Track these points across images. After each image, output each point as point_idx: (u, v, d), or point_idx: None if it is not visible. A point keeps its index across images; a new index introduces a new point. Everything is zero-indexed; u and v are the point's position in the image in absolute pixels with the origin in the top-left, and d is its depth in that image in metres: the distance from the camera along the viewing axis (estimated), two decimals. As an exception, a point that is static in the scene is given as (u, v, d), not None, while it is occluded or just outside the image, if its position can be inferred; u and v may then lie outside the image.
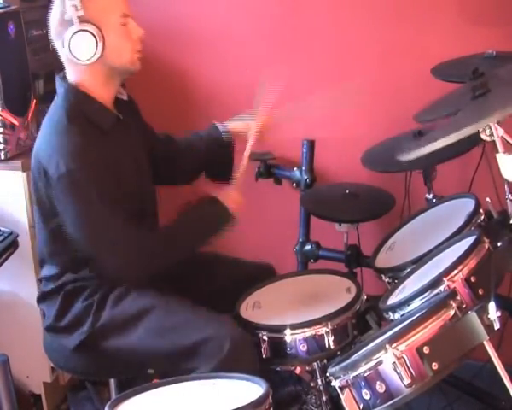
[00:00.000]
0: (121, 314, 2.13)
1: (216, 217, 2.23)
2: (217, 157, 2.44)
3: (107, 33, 2.09)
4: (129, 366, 2.19)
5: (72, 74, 2.15)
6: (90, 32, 2.06)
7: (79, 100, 2.14)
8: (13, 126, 2.67)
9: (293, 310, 2.16)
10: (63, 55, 2.13)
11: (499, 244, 1.88)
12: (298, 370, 2.14)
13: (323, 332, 2.04)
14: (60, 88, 2.17)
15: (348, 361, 1.73)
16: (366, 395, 1.67)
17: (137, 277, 2.12)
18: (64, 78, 2.17)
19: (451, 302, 1.69)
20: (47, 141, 2.12)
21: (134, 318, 2.11)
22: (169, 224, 2.23)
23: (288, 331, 2.05)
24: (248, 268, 2.43)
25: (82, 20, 2.06)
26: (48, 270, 2.23)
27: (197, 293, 2.25)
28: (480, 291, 1.77)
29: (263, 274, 2.39)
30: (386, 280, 2.17)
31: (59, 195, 2.08)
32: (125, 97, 2.27)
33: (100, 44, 2.07)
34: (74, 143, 2.06)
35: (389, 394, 1.65)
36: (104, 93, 2.16)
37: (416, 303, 1.84)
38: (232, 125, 2.45)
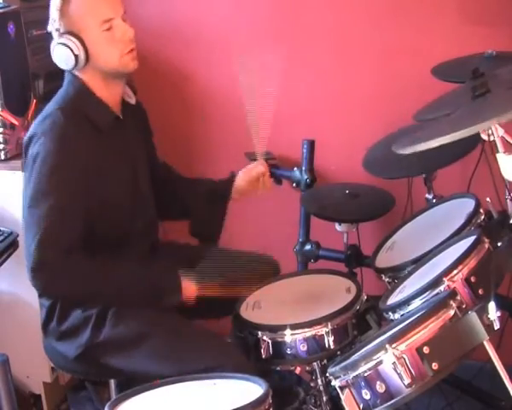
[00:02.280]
0: (121, 335, 2.09)
1: (161, 292, 2.09)
2: (211, 208, 2.34)
3: (89, 41, 2.06)
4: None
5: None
6: (66, 45, 2.04)
7: (78, 92, 2.13)
8: (13, 126, 2.67)
9: (293, 310, 2.16)
10: None
11: (499, 244, 1.88)
12: (298, 370, 2.14)
13: (323, 332, 2.04)
14: (66, 78, 2.16)
15: (348, 361, 1.72)
16: (366, 395, 1.67)
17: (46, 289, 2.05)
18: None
19: (451, 302, 1.69)
20: (35, 124, 2.11)
21: (133, 342, 2.08)
22: (115, 262, 2.10)
23: (288, 331, 2.04)
24: (252, 263, 2.39)
25: (61, 32, 2.06)
26: None
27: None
28: (480, 291, 1.77)
29: (267, 269, 2.38)
30: (386, 280, 2.17)
31: (25, 168, 2.07)
32: (132, 101, 2.24)
33: (81, 55, 2.05)
34: (58, 127, 2.04)
35: (389, 394, 1.64)
36: (106, 92, 2.14)
37: (416, 303, 1.84)
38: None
